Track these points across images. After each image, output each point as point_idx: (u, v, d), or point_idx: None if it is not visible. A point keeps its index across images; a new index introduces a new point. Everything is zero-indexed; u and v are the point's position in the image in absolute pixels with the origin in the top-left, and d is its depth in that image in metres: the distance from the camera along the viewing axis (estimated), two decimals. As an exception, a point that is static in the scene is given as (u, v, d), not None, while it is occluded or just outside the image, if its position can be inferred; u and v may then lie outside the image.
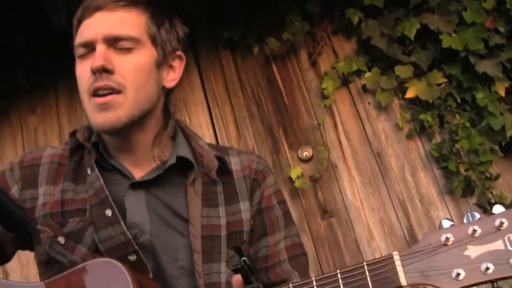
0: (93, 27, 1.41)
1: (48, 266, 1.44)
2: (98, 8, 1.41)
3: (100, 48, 1.38)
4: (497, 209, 1.07)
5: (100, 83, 1.37)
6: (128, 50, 1.40)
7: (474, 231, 1.06)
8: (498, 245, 1.04)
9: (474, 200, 2.99)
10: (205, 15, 3.54)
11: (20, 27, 3.45)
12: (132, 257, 1.37)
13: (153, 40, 1.45)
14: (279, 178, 3.28)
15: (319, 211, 3.19)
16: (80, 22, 1.44)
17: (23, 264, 3.31)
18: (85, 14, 1.43)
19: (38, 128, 3.68)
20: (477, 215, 1.09)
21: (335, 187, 3.22)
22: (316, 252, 3.12)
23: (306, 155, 3.28)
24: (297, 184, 3.15)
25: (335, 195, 3.20)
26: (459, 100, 3.12)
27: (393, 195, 3.14)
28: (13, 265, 3.29)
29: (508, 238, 1.04)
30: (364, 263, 1.14)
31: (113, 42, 1.39)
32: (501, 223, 1.05)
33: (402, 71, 3.18)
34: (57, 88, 3.70)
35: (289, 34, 3.35)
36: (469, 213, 1.10)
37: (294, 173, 3.19)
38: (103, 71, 1.36)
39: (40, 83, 3.71)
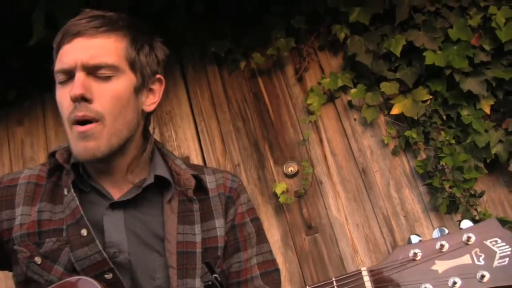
0: (72, 53, 1.39)
1: (26, 286, 1.44)
2: (77, 34, 1.39)
3: (79, 76, 1.36)
4: (465, 224, 1.08)
5: (79, 113, 1.36)
6: (107, 78, 1.39)
7: (442, 246, 1.07)
8: (466, 259, 1.05)
9: (458, 217, 2.98)
10: (192, 30, 3.56)
11: (14, 51, 3.49)
12: (108, 275, 1.37)
13: (132, 66, 1.44)
14: (264, 193, 3.28)
15: (304, 227, 3.18)
16: (59, 47, 1.43)
17: (8, 275, 3.27)
18: (64, 40, 1.41)
19: (25, 140, 3.68)
20: (446, 230, 1.09)
21: (320, 202, 3.21)
22: (301, 268, 3.11)
23: (291, 170, 3.27)
24: (281, 199, 3.14)
25: (320, 211, 3.19)
26: (444, 117, 3.12)
27: (377, 211, 3.13)
28: (-2, 277, 3.27)
29: (476, 252, 1.04)
30: (333, 278, 1.15)
31: (92, 70, 1.38)
32: (469, 238, 1.06)
33: (388, 87, 3.19)
34: (45, 101, 3.71)
35: (274, 50, 3.37)
36: (438, 228, 1.10)
37: (279, 188, 3.18)
38: (82, 99, 1.35)
39: (28, 96, 3.73)
